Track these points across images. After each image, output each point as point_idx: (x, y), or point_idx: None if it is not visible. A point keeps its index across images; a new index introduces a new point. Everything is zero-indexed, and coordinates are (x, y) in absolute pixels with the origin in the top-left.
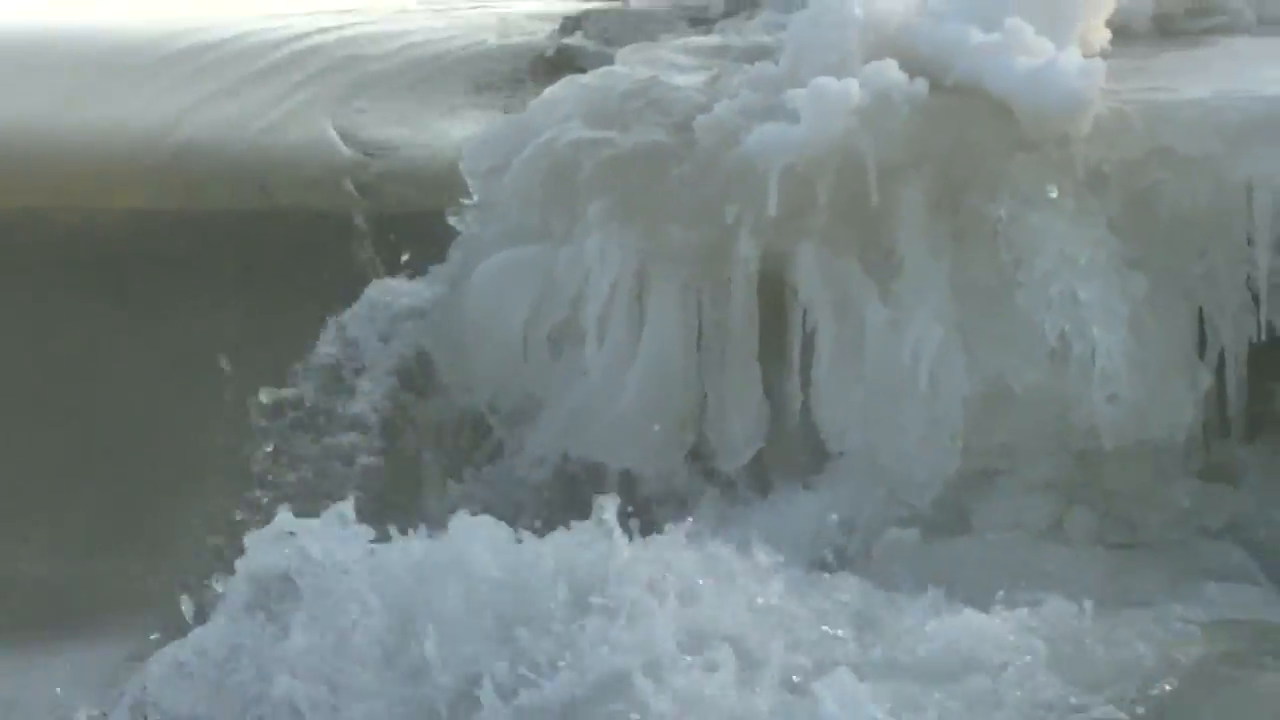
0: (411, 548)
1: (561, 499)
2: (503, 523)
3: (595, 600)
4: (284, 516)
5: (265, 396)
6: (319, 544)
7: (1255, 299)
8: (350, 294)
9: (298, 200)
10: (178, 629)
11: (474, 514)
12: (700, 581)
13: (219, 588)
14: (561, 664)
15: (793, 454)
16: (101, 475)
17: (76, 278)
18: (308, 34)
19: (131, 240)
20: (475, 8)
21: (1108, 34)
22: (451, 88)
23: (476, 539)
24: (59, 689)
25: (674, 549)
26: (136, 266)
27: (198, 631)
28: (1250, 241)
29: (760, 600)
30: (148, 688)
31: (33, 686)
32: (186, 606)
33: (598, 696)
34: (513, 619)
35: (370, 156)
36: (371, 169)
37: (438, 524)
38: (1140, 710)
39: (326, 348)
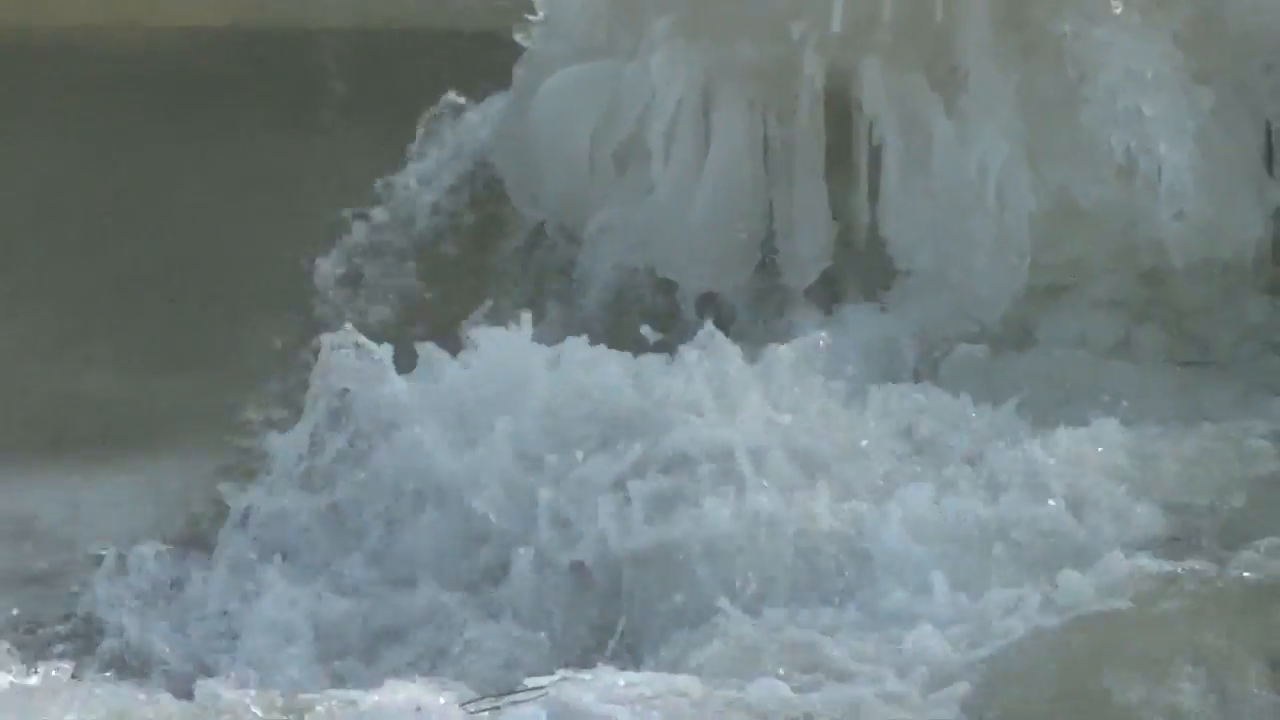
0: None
1: (624, 314)
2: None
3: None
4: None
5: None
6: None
7: None
8: (412, 113)
9: (357, 18)
10: (238, 447)
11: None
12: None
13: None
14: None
15: (861, 271)
16: (163, 294)
17: (140, 96)
18: None
19: (196, 58)
20: None
21: None
22: None
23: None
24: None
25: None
26: (202, 85)
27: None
28: None
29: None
30: None
31: (97, 500)
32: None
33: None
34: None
35: None
36: None
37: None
38: (1201, 525)
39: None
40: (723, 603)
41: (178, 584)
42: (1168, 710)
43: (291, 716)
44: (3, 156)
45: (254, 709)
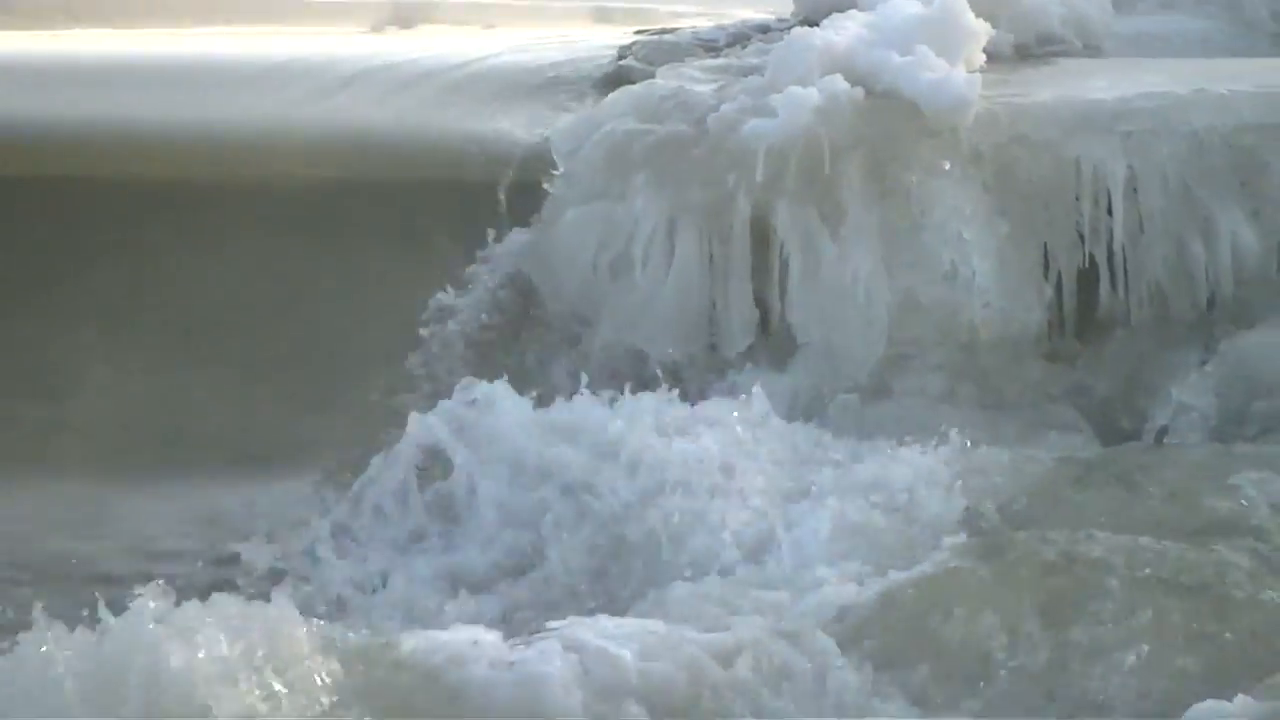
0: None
1: (620, 373)
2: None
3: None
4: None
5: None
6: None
7: (1081, 237)
8: (480, 235)
9: (443, 173)
10: (352, 468)
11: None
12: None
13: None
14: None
15: (774, 344)
16: (308, 358)
17: (292, 228)
18: (450, 63)
19: (331, 200)
20: (559, 39)
21: (983, 57)
22: (545, 95)
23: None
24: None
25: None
26: (336, 218)
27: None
28: (1077, 198)
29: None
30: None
31: (237, 504)
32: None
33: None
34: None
35: (493, 143)
36: (493, 151)
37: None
38: (999, 517)
39: (467, 271)
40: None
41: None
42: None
43: (383, 646)
44: (195, 266)
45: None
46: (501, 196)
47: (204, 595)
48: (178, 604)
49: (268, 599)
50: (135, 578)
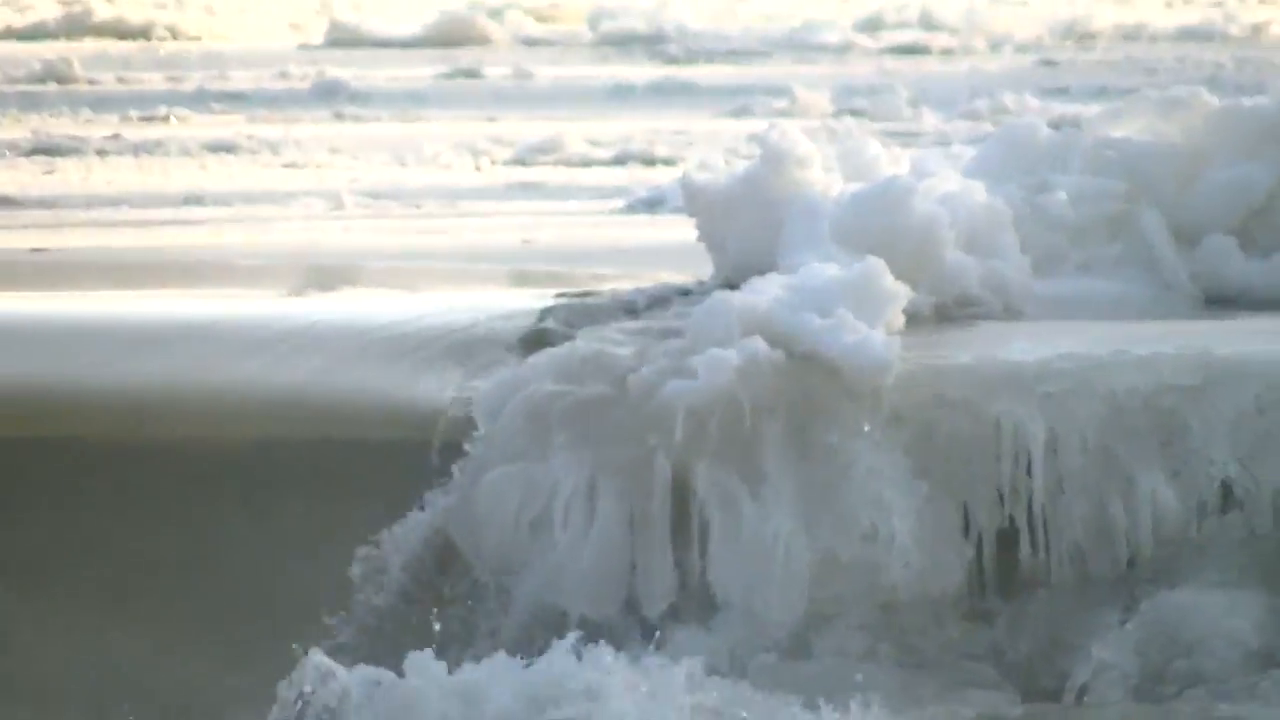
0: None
1: (542, 634)
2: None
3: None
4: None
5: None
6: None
7: (1001, 497)
8: (396, 499)
9: (363, 433)
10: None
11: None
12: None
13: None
14: None
15: (693, 604)
16: (239, 609)
17: (206, 485)
18: (370, 324)
19: (258, 460)
20: (480, 301)
21: (903, 319)
22: (467, 356)
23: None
24: None
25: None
26: (255, 477)
27: None
28: (998, 458)
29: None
30: None
31: None
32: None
33: None
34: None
35: (414, 404)
36: (414, 412)
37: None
38: None
39: (388, 530)
40: None
41: None
42: None
43: None
44: (113, 526)
45: None
46: (422, 457)
47: None
48: None
49: None
50: None
